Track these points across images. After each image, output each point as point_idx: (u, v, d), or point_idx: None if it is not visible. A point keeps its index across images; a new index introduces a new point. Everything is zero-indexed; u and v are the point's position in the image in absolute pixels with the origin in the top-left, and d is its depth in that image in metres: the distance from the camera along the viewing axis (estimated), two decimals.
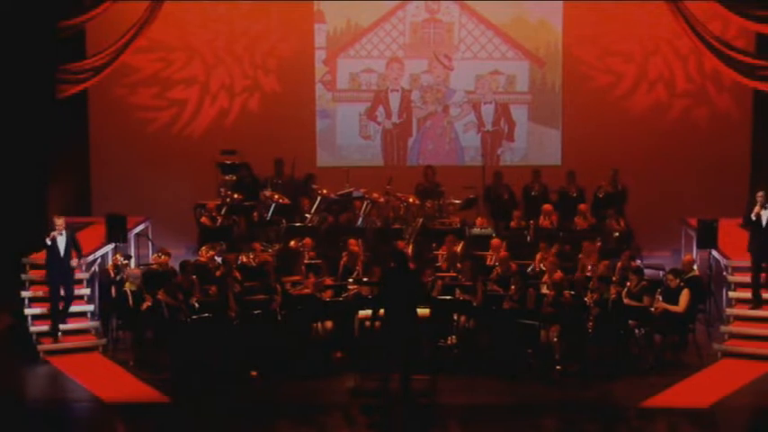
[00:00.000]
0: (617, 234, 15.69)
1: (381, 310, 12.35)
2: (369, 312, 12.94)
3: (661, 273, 14.75)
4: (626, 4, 17.93)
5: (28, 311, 14.23)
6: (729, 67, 15.77)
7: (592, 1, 17.99)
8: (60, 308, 13.96)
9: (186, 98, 18.47)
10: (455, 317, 13.69)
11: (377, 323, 12.59)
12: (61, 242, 13.82)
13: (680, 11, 15.70)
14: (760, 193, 13.92)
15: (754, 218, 13.88)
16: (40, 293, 14.36)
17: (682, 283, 13.51)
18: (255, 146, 17.40)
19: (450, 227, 15.98)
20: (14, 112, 15.28)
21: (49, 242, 13.76)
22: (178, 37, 18.24)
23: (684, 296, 13.34)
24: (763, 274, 14.06)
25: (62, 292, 13.98)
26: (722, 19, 16.38)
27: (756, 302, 13.97)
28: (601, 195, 16.67)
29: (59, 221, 13.90)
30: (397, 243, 14.92)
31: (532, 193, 16.99)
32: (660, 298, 13.39)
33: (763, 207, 13.84)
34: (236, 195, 16.42)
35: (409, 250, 14.78)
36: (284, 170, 17.08)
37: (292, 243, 15.16)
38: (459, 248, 14.92)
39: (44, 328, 14.09)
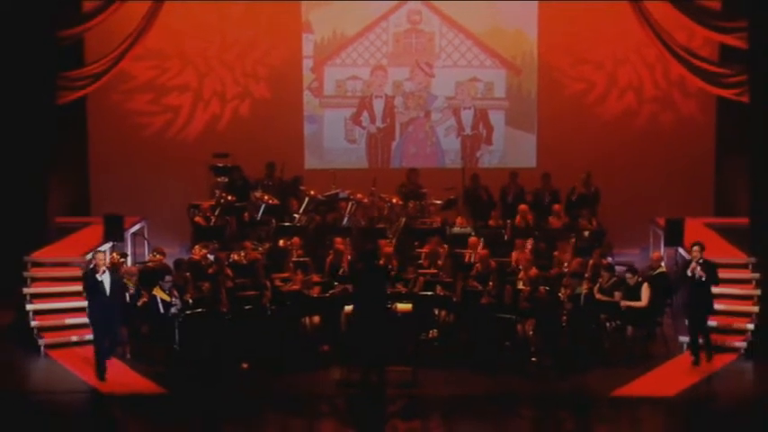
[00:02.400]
0: (587, 233, 15.68)
1: (350, 308, 12.41)
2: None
3: (627, 274, 14.77)
4: (597, 15, 17.93)
5: (29, 307, 14.15)
6: (694, 74, 15.81)
7: (565, 12, 18.00)
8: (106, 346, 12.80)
9: (180, 104, 18.40)
10: (436, 312, 13.70)
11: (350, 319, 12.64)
12: (106, 280, 12.58)
13: (648, 21, 15.73)
14: (696, 248, 13.01)
15: (690, 274, 12.97)
16: (40, 290, 14.34)
17: (640, 279, 13.56)
18: (246, 149, 17.34)
19: (431, 226, 15.97)
20: (17, 116, 15.20)
21: (99, 278, 12.50)
22: (173, 46, 18.17)
23: (645, 291, 13.39)
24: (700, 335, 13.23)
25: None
26: (688, 29, 16.41)
27: (697, 361, 13.05)
28: (573, 198, 16.65)
29: (101, 256, 12.82)
30: (381, 242, 14.90)
31: (509, 195, 16.99)
32: (622, 296, 13.43)
33: (697, 262, 12.93)
34: (229, 197, 16.37)
35: (392, 248, 14.75)
36: (275, 173, 17.04)
37: (281, 242, 15.14)
38: (442, 251, 14.88)
39: (45, 323, 14.03)
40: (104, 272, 12.57)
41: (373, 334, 12.18)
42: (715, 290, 14.09)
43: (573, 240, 15.14)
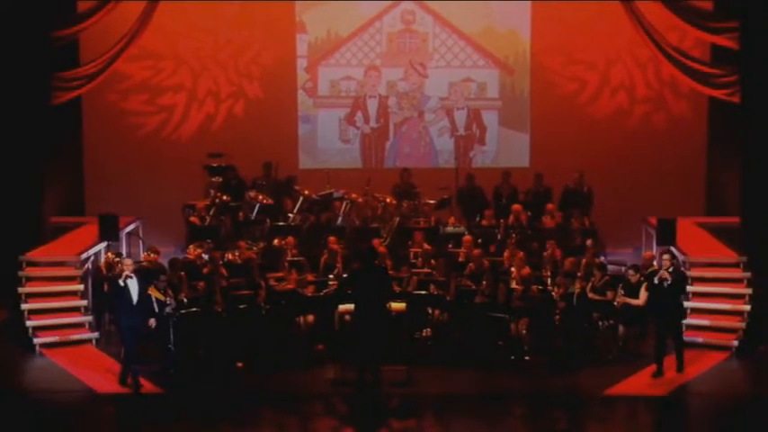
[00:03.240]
0: (578, 230, 15.71)
1: (351, 307, 12.41)
2: (348, 307, 12.92)
3: (623, 268, 14.80)
4: (590, 15, 17.96)
5: (24, 306, 14.12)
6: (686, 74, 15.83)
7: (558, 12, 18.03)
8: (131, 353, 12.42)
9: (175, 104, 18.38)
10: (430, 311, 13.70)
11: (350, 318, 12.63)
12: (133, 286, 12.25)
13: (640, 22, 15.75)
14: (666, 256, 12.82)
15: (657, 281, 12.69)
16: (36, 289, 14.33)
17: (642, 278, 13.58)
18: (241, 149, 17.31)
19: (425, 226, 15.97)
20: (12, 117, 15.18)
21: (121, 283, 12.24)
22: (167, 46, 18.14)
23: (644, 290, 13.40)
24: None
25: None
26: (679, 30, 16.43)
27: (660, 372, 12.70)
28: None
29: (128, 263, 12.51)
30: (375, 241, 14.90)
31: (502, 194, 17.00)
32: (622, 292, 13.44)
33: (666, 270, 12.64)
34: (224, 197, 16.35)
35: (385, 248, 14.75)
36: (271, 173, 17.04)
37: (276, 241, 15.13)
38: (428, 249, 14.89)
39: (39, 322, 14.02)
40: (130, 278, 12.21)
41: (371, 333, 12.16)
42: (708, 288, 14.20)
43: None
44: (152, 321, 12.41)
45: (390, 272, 13.99)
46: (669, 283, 12.60)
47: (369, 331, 12.17)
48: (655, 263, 14.54)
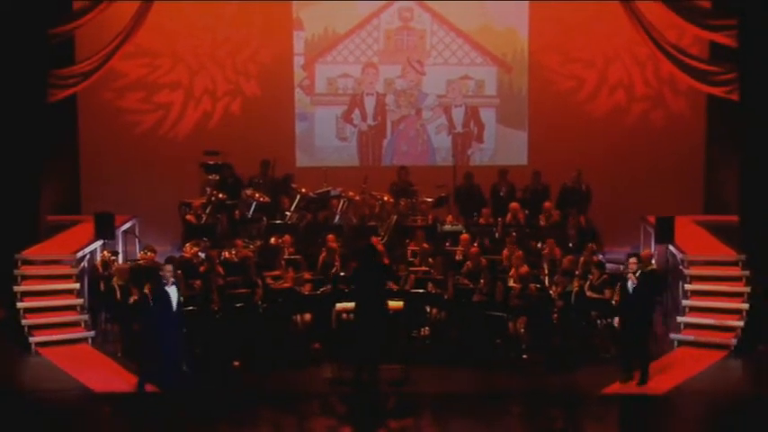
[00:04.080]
0: (572, 231, 15.70)
1: (348, 305, 12.41)
2: (346, 305, 12.92)
3: (621, 267, 14.78)
4: (588, 13, 17.97)
5: (20, 305, 14.10)
6: (685, 72, 15.82)
7: (556, 10, 18.03)
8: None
9: (171, 102, 18.37)
10: (427, 309, 13.69)
11: (351, 316, 12.61)
12: (173, 294, 11.86)
13: (638, 20, 15.75)
14: (632, 259, 12.48)
15: (630, 286, 12.32)
16: (31, 288, 14.33)
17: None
18: (237, 147, 17.29)
19: (422, 224, 15.97)
20: (7, 115, 15.14)
21: (168, 289, 11.79)
22: (163, 43, 18.12)
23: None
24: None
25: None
26: (678, 28, 16.42)
27: (627, 378, 12.41)
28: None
29: (169, 268, 12.00)
30: (373, 239, 14.89)
31: (500, 192, 17.01)
32: (620, 288, 13.41)
33: (633, 273, 12.33)
34: (220, 195, 16.34)
35: (383, 246, 14.75)
36: (268, 171, 17.02)
37: (273, 239, 15.12)
38: (426, 248, 14.88)
39: (36, 321, 14.01)
40: (172, 284, 11.88)
41: (370, 332, 12.15)
42: (706, 286, 14.20)
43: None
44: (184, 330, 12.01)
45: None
46: (636, 286, 12.27)
47: (368, 330, 12.15)
48: (653, 261, 14.59)
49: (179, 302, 11.89)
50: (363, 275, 12.36)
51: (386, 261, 14.09)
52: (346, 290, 13.26)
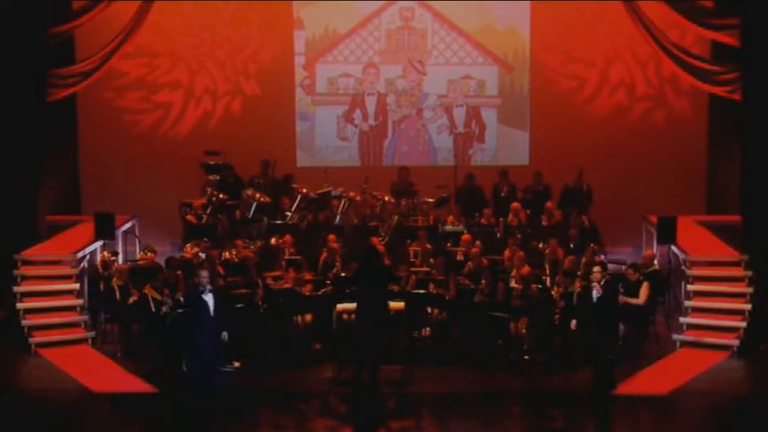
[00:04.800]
0: (574, 231, 15.70)
1: (349, 306, 12.40)
2: (346, 306, 12.91)
3: (623, 267, 14.80)
4: (589, 12, 17.99)
5: (20, 306, 14.10)
6: (686, 72, 15.83)
7: (557, 10, 18.03)
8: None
9: (171, 101, 18.38)
10: (429, 310, 13.69)
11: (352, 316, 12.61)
12: (209, 300, 11.42)
13: (640, 19, 15.76)
14: (597, 268, 12.29)
15: (595, 296, 12.08)
16: (31, 288, 14.33)
17: (641, 277, 13.57)
18: (238, 147, 17.31)
19: (423, 224, 15.96)
20: (6, 114, 15.16)
21: (204, 296, 11.41)
22: (163, 43, 18.13)
23: (644, 289, 13.42)
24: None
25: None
26: (680, 27, 16.44)
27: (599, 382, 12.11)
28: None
29: (205, 274, 11.55)
30: (373, 239, 14.89)
31: (501, 193, 17.01)
32: (622, 291, 13.43)
33: (598, 282, 12.09)
34: (221, 195, 16.35)
35: (384, 246, 14.75)
36: (269, 171, 17.03)
37: (273, 240, 15.13)
38: (428, 248, 14.87)
39: (35, 321, 14.00)
40: (208, 291, 11.44)
41: (371, 332, 12.15)
42: (708, 287, 14.19)
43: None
44: (225, 335, 11.62)
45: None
46: (600, 295, 12.06)
47: (368, 330, 12.15)
48: (655, 261, 14.58)
49: (217, 308, 11.42)
50: (364, 276, 12.35)
51: (386, 261, 14.09)
52: (347, 290, 13.24)
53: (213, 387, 11.61)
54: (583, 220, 16.04)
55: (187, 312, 11.86)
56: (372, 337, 12.14)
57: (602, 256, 15.19)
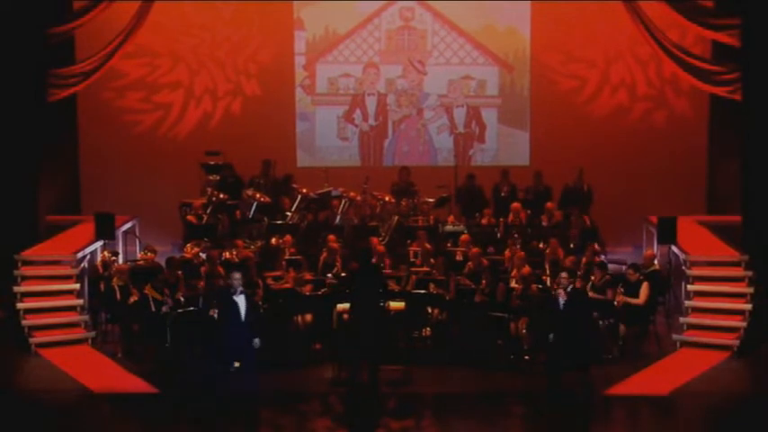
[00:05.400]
0: (574, 231, 15.72)
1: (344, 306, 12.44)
2: (346, 306, 12.92)
3: (623, 267, 14.81)
4: (590, 13, 18.01)
5: (20, 306, 14.11)
6: (687, 72, 15.84)
7: (558, 10, 18.05)
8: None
9: (171, 101, 18.40)
10: (429, 310, 13.70)
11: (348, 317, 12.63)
12: (241, 302, 11.10)
13: (641, 19, 15.77)
14: (564, 274, 12.04)
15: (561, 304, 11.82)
16: (31, 288, 14.33)
17: (641, 277, 13.58)
18: (238, 147, 17.32)
19: (424, 224, 15.97)
20: (6, 114, 15.18)
21: (235, 298, 11.08)
22: (163, 43, 18.16)
23: (644, 289, 13.42)
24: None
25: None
26: (680, 27, 16.45)
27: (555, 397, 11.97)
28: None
29: (237, 276, 11.22)
30: (373, 240, 14.91)
31: (501, 193, 17.03)
32: (622, 291, 13.45)
33: (564, 289, 11.87)
34: (221, 195, 16.36)
35: (384, 246, 14.76)
36: (270, 171, 17.04)
37: (273, 240, 15.14)
38: (428, 248, 14.88)
39: (35, 321, 14.00)
40: (240, 293, 11.13)
41: (368, 333, 12.17)
42: (709, 287, 14.21)
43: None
44: (257, 341, 11.19)
45: (388, 270, 14.03)
46: (565, 302, 11.82)
47: (366, 331, 12.17)
48: (655, 261, 14.58)
49: (248, 311, 11.09)
50: (360, 278, 12.37)
51: (387, 261, 14.11)
52: (345, 290, 13.25)
53: (253, 387, 11.32)
54: (584, 220, 16.05)
55: (217, 312, 11.52)
56: (369, 338, 12.15)
57: (603, 257, 15.20)
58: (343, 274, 13.96)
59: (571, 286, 12.04)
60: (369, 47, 18.47)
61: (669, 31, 16.16)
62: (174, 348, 12.86)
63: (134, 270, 14.11)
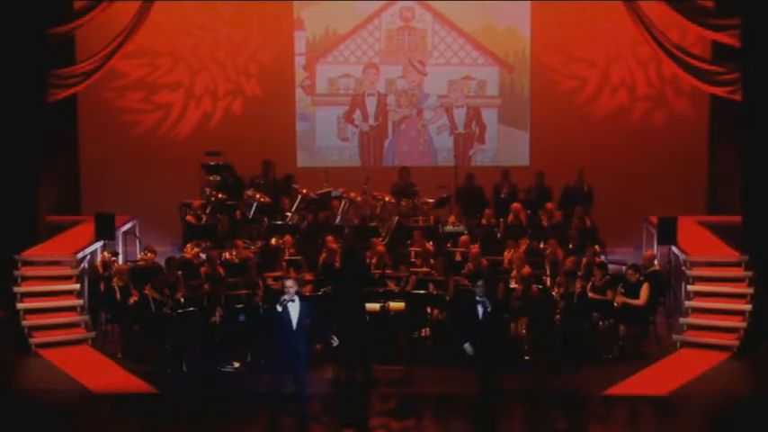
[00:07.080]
0: (575, 231, 15.74)
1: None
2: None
3: (623, 268, 14.83)
4: (590, 13, 18.02)
5: (20, 306, 14.13)
6: (687, 72, 15.85)
7: (558, 10, 18.06)
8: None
9: (172, 102, 18.42)
10: (428, 310, 13.71)
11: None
12: (293, 310, 10.94)
13: (641, 20, 15.79)
14: (480, 283, 11.70)
15: (481, 311, 11.47)
16: (31, 289, 14.35)
17: (641, 278, 13.60)
18: (238, 148, 17.34)
19: (424, 225, 15.98)
20: (7, 115, 15.20)
21: (279, 308, 10.91)
22: (164, 43, 18.18)
23: (644, 290, 13.44)
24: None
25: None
26: (680, 27, 16.48)
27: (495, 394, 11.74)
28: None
29: (290, 284, 10.99)
30: (374, 240, 14.92)
31: (501, 193, 17.04)
32: (622, 291, 13.47)
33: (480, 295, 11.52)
34: (220, 195, 16.38)
35: (384, 247, 14.77)
36: (270, 171, 17.06)
37: (273, 240, 15.15)
38: (429, 248, 14.90)
39: (35, 322, 14.03)
40: (291, 301, 10.90)
41: (355, 332, 12.18)
42: (709, 287, 14.22)
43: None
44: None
45: (389, 270, 14.04)
46: (485, 310, 11.46)
47: (352, 330, 12.17)
48: (655, 262, 14.59)
49: (301, 318, 10.93)
50: (344, 278, 12.38)
51: (387, 261, 14.12)
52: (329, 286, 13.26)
53: (304, 395, 11.34)
54: (585, 221, 16.06)
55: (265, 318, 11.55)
56: (356, 338, 12.15)
57: (603, 257, 15.21)
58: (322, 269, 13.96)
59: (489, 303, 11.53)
60: (369, 47, 18.49)
61: (669, 32, 16.18)
62: (173, 348, 12.89)
63: (134, 270, 14.13)
